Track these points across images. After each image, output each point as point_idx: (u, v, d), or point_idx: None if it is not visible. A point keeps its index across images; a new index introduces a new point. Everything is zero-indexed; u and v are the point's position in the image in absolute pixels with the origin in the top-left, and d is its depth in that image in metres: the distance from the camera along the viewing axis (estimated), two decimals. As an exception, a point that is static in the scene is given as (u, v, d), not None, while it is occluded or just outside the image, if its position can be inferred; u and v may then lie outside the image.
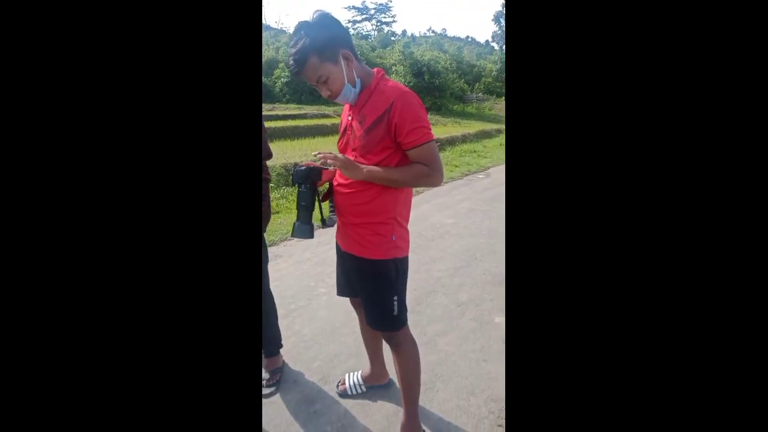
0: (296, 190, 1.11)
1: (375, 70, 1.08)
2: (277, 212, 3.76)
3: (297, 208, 1.10)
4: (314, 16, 0.99)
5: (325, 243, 2.99)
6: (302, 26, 0.98)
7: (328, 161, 1.03)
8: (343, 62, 1.00)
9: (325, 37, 0.97)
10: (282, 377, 1.57)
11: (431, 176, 1.04)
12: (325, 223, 1.17)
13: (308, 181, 1.07)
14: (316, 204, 1.12)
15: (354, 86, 1.03)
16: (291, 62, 1.00)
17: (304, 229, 1.09)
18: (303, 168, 1.07)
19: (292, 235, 1.11)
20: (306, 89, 16.69)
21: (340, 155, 1.04)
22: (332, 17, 1.01)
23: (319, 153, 1.03)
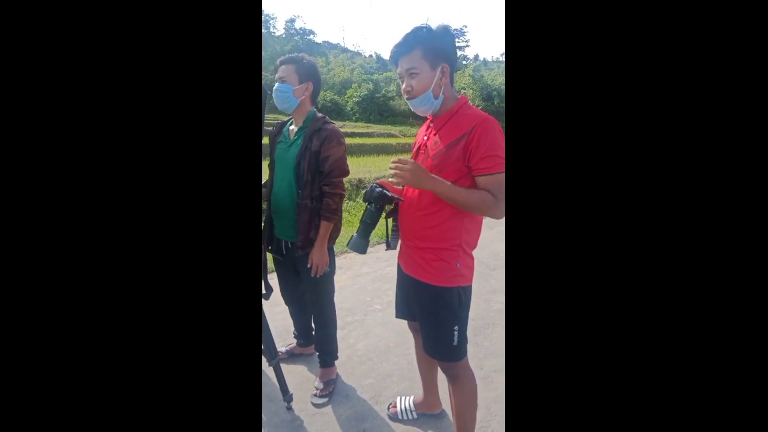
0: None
1: (461, 96, 1.08)
2: (340, 225, 3.88)
3: (360, 223, 1.12)
4: (438, 25, 1.02)
5: (383, 260, 3.02)
6: (424, 26, 1.02)
7: (400, 167, 1.01)
8: (438, 72, 1.02)
9: (438, 42, 1.01)
10: (335, 389, 1.59)
11: (494, 208, 0.98)
12: (389, 245, 1.18)
13: (379, 203, 1.09)
14: (379, 223, 1.13)
15: (435, 99, 1.03)
16: (398, 42, 1.02)
17: (361, 243, 1.11)
18: (378, 190, 1.09)
19: (347, 245, 1.13)
20: (375, 109, 17.35)
21: (410, 160, 1.02)
22: (452, 34, 1.04)
23: (396, 160, 1.02)
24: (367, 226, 1.11)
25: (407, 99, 1.06)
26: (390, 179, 1.10)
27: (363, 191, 1.12)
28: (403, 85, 1.05)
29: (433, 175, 1.01)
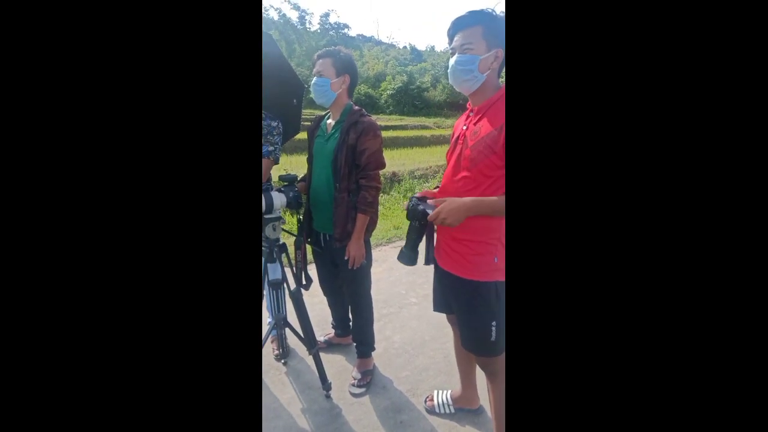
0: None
1: (503, 86, 1.04)
2: (375, 218, 3.91)
3: (406, 237, 1.16)
4: (503, 11, 1.00)
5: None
6: (491, 9, 1.01)
7: (438, 217, 1.02)
8: (492, 55, 0.99)
9: (501, 26, 0.99)
10: (372, 380, 1.61)
11: None
12: (428, 261, 1.19)
13: (423, 220, 1.11)
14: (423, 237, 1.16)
15: (480, 73, 1.00)
16: (460, 15, 1.00)
17: (410, 256, 1.15)
18: (420, 208, 1.10)
19: (398, 259, 1.17)
20: (409, 101, 17.16)
21: (441, 206, 1.02)
22: None
23: (421, 197, 1.04)
24: (413, 240, 1.14)
25: (456, 56, 1.01)
26: (431, 189, 1.09)
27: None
28: (453, 58, 1.02)
29: (466, 200, 1.00)
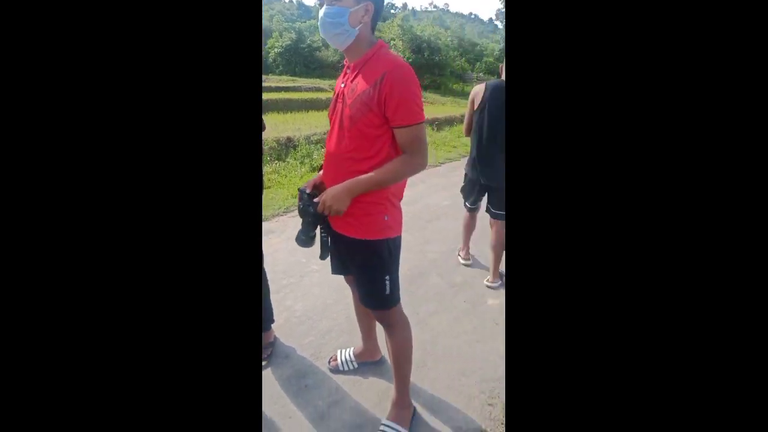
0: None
1: (377, 41, 1.02)
2: (269, 187, 3.69)
3: (302, 225, 1.12)
4: None
5: (318, 219, 2.95)
6: None
7: (323, 207, 1.03)
8: (362, 8, 0.96)
9: None
10: (273, 352, 1.56)
11: (413, 164, 1.02)
12: (323, 257, 1.20)
13: (313, 216, 1.09)
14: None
15: (351, 27, 0.98)
16: None
17: (306, 240, 1.13)
18: (311, 210, 1.07)
19: (295, 241, 1.13)
20: (300, 60, 16.15)
21: (323, 195, 1.03)
22: None
23: (307, 190, 1.06)
24: (308, 229, 1.11)
25: (324, 8, 0.98)
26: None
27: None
28: (322, 10, 0.98)
29: (348, 184, 1.01)
